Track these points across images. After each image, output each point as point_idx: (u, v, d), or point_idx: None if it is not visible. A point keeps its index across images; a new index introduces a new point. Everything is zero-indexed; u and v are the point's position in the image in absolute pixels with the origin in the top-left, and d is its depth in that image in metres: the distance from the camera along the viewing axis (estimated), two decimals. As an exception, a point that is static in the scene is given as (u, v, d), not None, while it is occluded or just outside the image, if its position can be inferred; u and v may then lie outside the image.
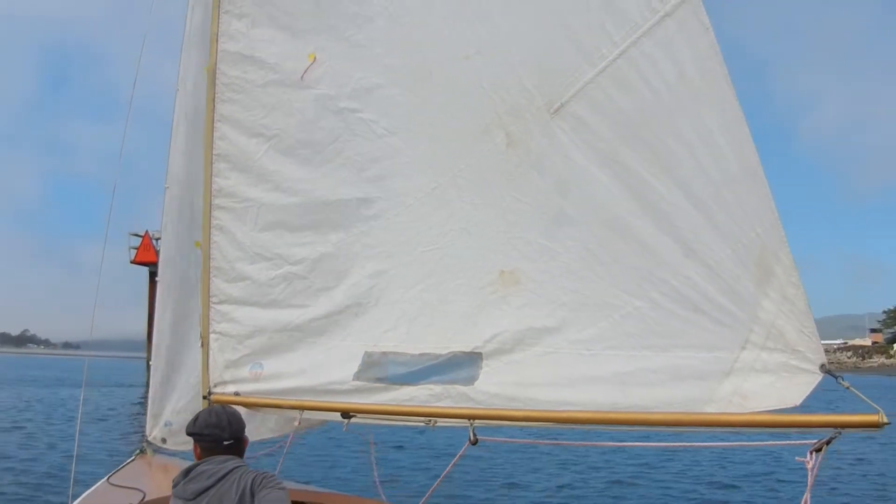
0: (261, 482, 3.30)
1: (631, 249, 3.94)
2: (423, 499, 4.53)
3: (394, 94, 4.87)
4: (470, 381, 4.33)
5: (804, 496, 3.17)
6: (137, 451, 6.43)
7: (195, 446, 3.51)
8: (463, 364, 4.40)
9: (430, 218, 4.71)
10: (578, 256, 4.12)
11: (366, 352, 4.76)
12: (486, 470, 14.01)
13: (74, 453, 6.47)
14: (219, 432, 3.47)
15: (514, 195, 4.38)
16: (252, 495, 3.27)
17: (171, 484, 3.47)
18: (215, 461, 3.41)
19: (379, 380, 4.65)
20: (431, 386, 4.46)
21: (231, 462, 3.41)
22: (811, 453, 3.17)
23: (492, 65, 4.47)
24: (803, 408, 3.36)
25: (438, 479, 4.12)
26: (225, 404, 4.51)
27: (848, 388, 3.30)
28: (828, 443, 3.17)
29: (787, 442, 3.30)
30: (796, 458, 3.17)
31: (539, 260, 4.26)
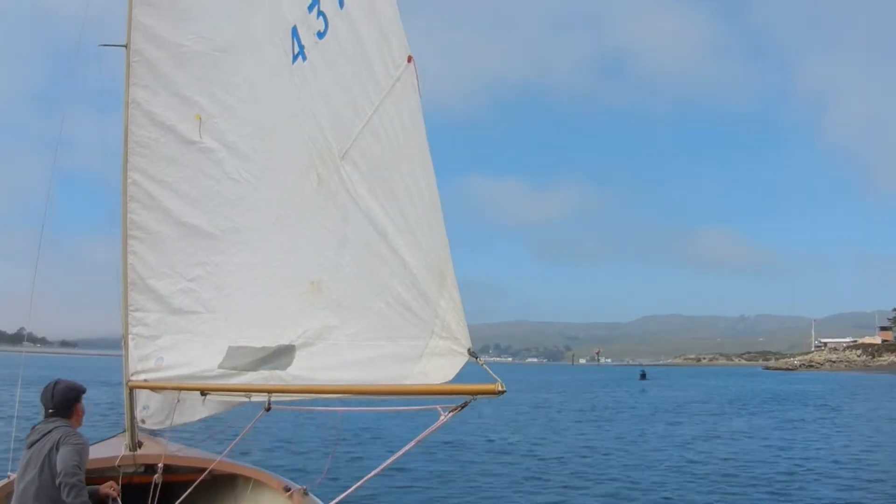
0: (63, 439, 4.71)
1: (379, 262, 5.10)
2: (225, 451, 5.89)
3: (253, 144, 6.28)
4: (285, 367, 5.62)
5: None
6: (122, 432, 8.07)
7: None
8: (283, 354, 5.70)
9: (273, 241, 6.06)
10: (352, 269, 5.33)
11: (229, 346, 6.15)
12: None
13: (12, 439, 8.27)
14: (46, 401, 4.95)
15: (320, 222, 5.64)
16: (57, 449, 4.68)
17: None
18: (48, 422, 4.89)
19: (234, 368, 6.03)
20: (264, 371, 5.79)
21: (55, 423, 4.86)
22: (449, 412, 4.24)
23: (310, 121, 5.76)
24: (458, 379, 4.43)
25: (237, 439, 5.43)
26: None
27: (482, 365, 4.34)
28: (463, 406, 4.23)
29: (445, 406, 4.36)
30: (441, 411, 4.25)
31: (333, 272, 5.50)
